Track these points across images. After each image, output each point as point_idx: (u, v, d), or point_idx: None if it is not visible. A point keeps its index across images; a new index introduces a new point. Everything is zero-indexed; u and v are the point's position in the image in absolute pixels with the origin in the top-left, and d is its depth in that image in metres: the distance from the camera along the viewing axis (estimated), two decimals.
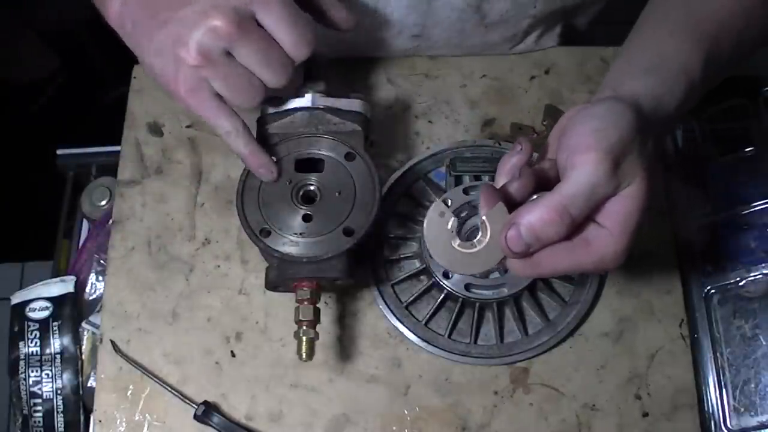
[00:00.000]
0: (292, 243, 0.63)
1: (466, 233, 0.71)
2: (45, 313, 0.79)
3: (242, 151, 0.63)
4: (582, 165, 0.50)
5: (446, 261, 0.54)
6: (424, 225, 0.55)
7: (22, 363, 0.78)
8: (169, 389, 0.70)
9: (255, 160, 0.64)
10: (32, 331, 0.78)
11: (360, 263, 0.70)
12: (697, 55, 0.58)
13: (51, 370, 0.77)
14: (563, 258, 0.52)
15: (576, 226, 0.51)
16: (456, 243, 0.54)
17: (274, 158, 0.66)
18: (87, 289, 0.81)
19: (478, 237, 0.53)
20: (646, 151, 0.52)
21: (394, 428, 0.70)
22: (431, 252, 0.55)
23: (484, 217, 0.53)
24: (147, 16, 0.59)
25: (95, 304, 0.81)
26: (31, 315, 0.79)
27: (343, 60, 0.80)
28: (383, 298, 0.72)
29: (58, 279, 0.81)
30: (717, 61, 0.59)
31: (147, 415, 0.70)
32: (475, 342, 0.71)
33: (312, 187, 0.66)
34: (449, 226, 0.54)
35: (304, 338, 0.62)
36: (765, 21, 0.62)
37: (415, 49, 0.81)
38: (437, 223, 0.54)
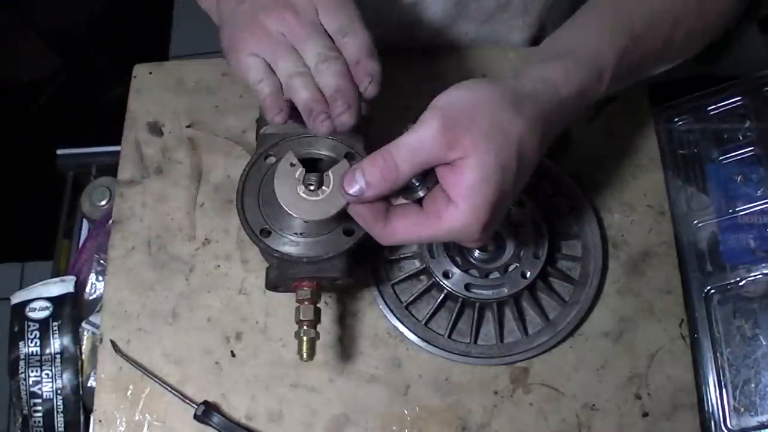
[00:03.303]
0: (292, 243, 0.63)
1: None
2: (45, 313, 0.79)
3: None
4: (418, 123, 0.53)
5: (294, 208, 0.59)
6: (275, 174, 0.60)
7: (22, 363, 0.78)
8: (169, 389, 0.70)
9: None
10: (32, 331, 0.78)
11: (360, 263, 0.70)
12: (615, 43, 0.60)
13: (51, 370, 0.77)
14: (417, 227, 0.55)
15: (403, 179, 0.53)
16: (301, 191, 0.59)
17: (274, 158, 0.66)
18: (87, 289, 0.81)
19: (322, 188, 0.60)
20: (497, 126, 0.52)
21: (394, 428, 0.70)
22: (279, 198, 0.59)
23: (329, 172, 0.59)
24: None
25: (95, 304, 0.81)
26: (31, 315, 0.79)
27: None
28: (383, 298, 0.72)
29: (58, 279, 0.81)
30: (634, 57, 0.61)
31: (147, 415, 0.70)
32: (475, 342, 0.71)
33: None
34: (297, 176, 0.59)
35: (304, 338, 0.62)
36: (690, 34, 0.65)
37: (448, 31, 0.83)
38: (287, 172, 0.60)
